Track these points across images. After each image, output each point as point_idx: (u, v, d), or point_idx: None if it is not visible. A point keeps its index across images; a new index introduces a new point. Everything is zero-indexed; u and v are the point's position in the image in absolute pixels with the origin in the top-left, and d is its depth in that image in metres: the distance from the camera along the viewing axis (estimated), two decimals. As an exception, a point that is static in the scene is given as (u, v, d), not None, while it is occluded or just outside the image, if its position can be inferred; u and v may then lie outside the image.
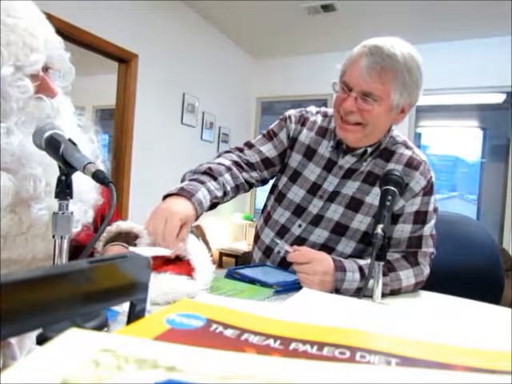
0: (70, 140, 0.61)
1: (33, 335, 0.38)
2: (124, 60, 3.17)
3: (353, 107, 0.91)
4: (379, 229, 0.74)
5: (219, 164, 1.00)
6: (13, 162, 0.66)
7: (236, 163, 1.05)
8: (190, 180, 0.92)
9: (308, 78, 4.59)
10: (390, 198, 0.78)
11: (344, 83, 0.93)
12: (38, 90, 0.69)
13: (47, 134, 0.61)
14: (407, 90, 0.90)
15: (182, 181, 0.97)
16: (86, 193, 0.76)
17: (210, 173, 0.96)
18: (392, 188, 0.79)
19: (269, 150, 1.10)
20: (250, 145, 1.12)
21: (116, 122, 3.27)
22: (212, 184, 0.93)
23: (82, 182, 0.70)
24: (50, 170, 0.68)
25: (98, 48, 2.93)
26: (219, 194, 0.94)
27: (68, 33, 2.53)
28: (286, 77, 4.76)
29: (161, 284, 0.69)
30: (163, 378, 0.18)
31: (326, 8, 3.48)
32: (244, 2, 3.48)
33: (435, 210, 1.00)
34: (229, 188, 0.98)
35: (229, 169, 1.01)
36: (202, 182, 0.91)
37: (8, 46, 0.64)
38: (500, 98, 3.84)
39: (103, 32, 2.89)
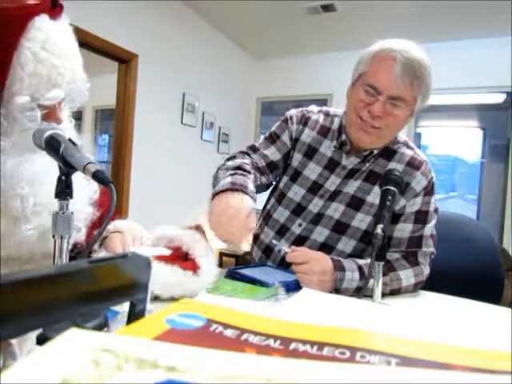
0: (70, 140, 0.61)
1: (33, 335, 0.38)
2: (124, 60, 3.17)
3: (380, 112, 0.90)
4: (379, 229, 0.74)
5: (243, 163, 1.00)
6: (4, 181, 0.66)
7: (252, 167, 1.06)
8: (232, 175, 0.92)
9: (308, 78, 4.59)
10: (389, 198, 0.78)
11: (371, 86, 0.91)
12: (44, 118, 0.70)
13: (47, 133, 0.61)
14: (426, 97, 0.94)
15: (216, 179, 0.97)
16: (80, 212, 0.76)
17: (243, 168, 0.97)
18: (392, 188, 0.80)
19: (273, 153, 1.10)
20: (254, 149, 1.11)
21: (116, 122, 3.27)
22: (250, 177, 0.95)
23: (76, 201, 0.70)
24: (41, 189, 0.68)
25: (98, 48, 2.93)
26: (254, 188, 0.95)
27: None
28: (286, 77, 4.76)
29: (166, 275, 0.69)
30: (163, 378, 0.18)
31: (326, 8, 3.48)
32: (244, 2, 3.48)
33: (436, 210, 1.01)
34: (256, 184, 1.00)
35: (249, 171, 1.02)
36: (244, 175, 0.93)
37: (33, 76, 0.65)
38: (500, 98, 3.84)
39: (103, 32, 2.89)
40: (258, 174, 1.05)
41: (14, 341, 0.36)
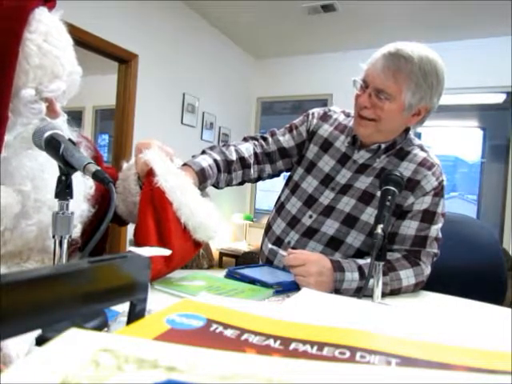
0: (69, 140, 0.61)
1: (31, 337, 0.38)
2: (124, 60, 3.17)
3: (366, 102, 0.97)
4: (379, 229, 0.74)
5: (241, 158, 1.11)
6: (6, 176, 0.66)
7: (255, 155, 1.15)
8: (203, 153, 1.09)
9: (308, 78, 4.59)
10: (389, 198, 0.78)
11: (363, 81, 0.99)
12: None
13: (47, 134, 0.61)
14: (420, 91, 0.94)
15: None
16: (75, 208, 0.75)
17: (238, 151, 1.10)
18: (392, 188, 0.80)
19: (287, 140, 1.18)
20: (272, 133, 1.21)
21: (116, 122, 3.27)
22: (219, 157, 1.08)
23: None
24: (41, 186, 0.68)
25: (98, 48, 2.93)
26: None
27: (68, 33, 2.52)
28: (286, 77, 4.76)
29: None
30: (163, 378, 0.18)
31: (326, 8, 3.48)
32: (244, 2, 3.48)
33: (443, 214, 1.02)
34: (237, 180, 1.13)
35: (247, 165, 1.11)
36: (213, 156, 1.07)
37: (37, 69, 0.66)
38: (500, 98, 3.84)
39: (103, 32, 2.89)
40: (258, 163, 1.15)
41: (9, 346, 0.35)
